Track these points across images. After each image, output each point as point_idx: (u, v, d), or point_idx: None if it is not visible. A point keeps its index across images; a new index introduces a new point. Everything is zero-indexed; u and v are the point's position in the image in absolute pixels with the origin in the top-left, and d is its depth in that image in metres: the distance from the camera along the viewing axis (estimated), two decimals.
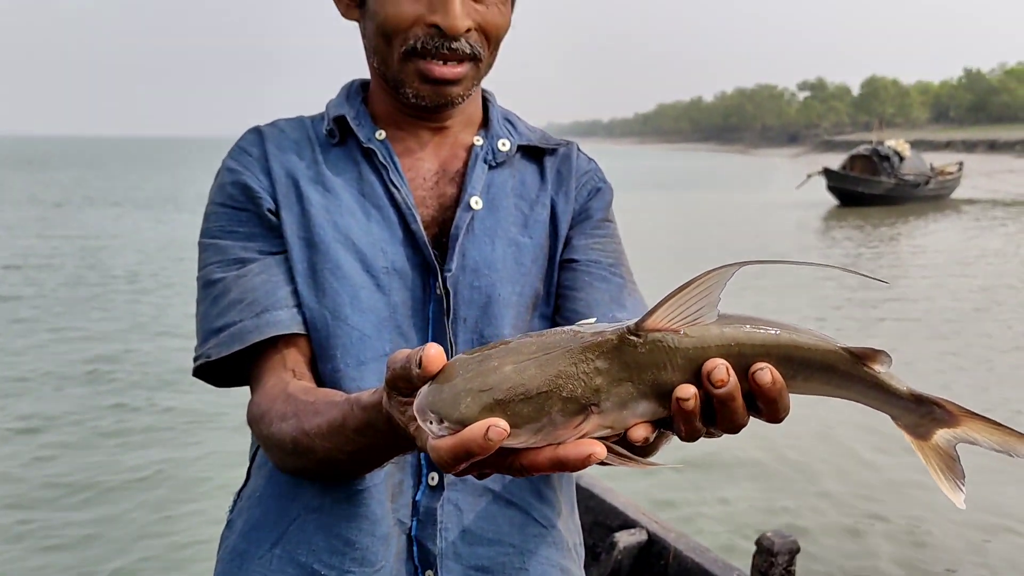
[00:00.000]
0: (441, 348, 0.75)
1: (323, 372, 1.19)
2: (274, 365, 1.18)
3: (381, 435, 0.92)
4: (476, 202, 1.25)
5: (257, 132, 1.29)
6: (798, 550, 2.74)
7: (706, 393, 0.72)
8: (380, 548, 1.17)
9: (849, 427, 6.65)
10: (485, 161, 1.29)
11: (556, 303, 1.29)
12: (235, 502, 1.31)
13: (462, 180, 1.28)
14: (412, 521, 1.20)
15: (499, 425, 0.68)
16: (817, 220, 25.03)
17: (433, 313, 1.22)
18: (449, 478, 1.21)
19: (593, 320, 0.81)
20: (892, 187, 29.69)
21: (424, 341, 1.20)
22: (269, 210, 1.22)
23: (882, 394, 0.76)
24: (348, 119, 1.28)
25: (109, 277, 13.08)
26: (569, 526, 1.34)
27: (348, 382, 1.17)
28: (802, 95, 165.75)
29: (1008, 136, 69.77)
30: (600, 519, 3.23)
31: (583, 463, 0.70)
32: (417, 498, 1.20)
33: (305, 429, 1.04)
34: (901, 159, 30.49)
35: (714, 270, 0.72)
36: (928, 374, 8.20)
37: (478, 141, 1.30)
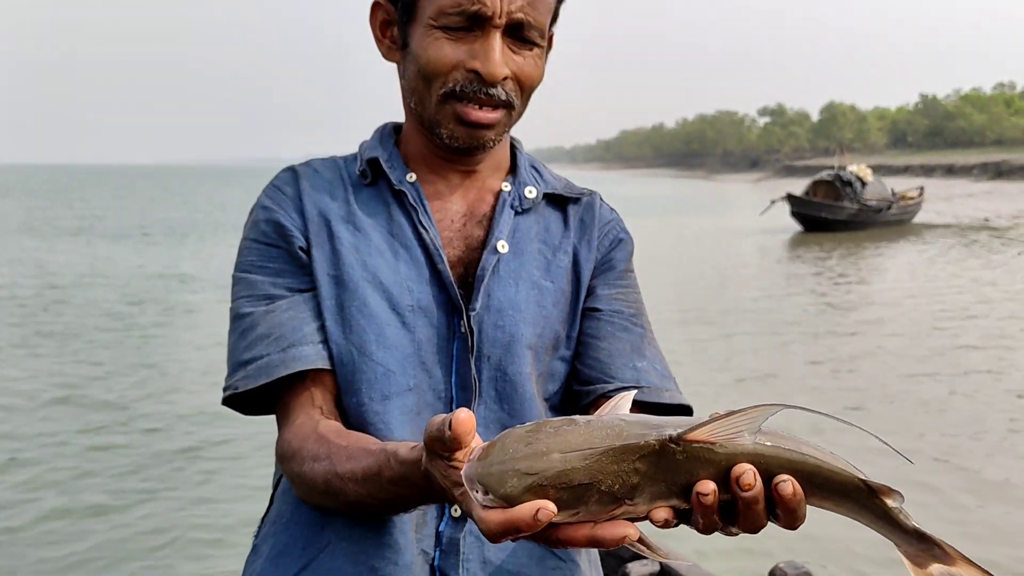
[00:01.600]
0: (471, 413, 0.81)
1: (348, 405, 1.23)
2: (302, 401, 1.22)
3: (417, 489, 0.96)
4: (503, 246, 1.29)
5: (292, 171, 1.34)
6: None
7: (732, 495, 0.77)
8: None
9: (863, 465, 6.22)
10: (512, 207, 1.33)
11: (578, 349, 1.33)
12: (260, 527, 1.33)
13: (489, 223, 1.32)
14: (435, 551, 1.21)
15: (548, 508, 0.74)
16: (781, 246, 24.98)
17: (457, 350, 1.25)
18: None
19: (628, 405, 0.90)
20: (855, 212, 29.80)
21: (448, 377, 1.25)
22: (300, 248, 1.26)
23: (890, 526, 0.81)
24: (381, 161, 1.32)
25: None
26: (587, 560, 1.35)
27: (372, 416, 1.21)
28: (762, 121, 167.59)
29: (965, 160, 70.78)
30: (613, 550, 3.16)
31: (616, 543, 0.77)
32: (440, 529, 1.22)
33: (339, 472, 1.08)
34: (863, 184, 30.65)
35: (761, 406, 0.77)
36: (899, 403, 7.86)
37: (506, 187, 1.35)
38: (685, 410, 1.32)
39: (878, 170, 35.44)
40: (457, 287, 1.26)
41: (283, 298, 1.25)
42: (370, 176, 1.32)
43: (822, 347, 10.94)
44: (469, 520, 1.19)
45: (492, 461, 0.78)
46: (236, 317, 1.26)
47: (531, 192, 1.35)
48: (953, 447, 6.99)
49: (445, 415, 0.82)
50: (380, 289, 1.24)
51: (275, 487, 1.33)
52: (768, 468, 0.78)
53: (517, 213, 1.33)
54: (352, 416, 1.22)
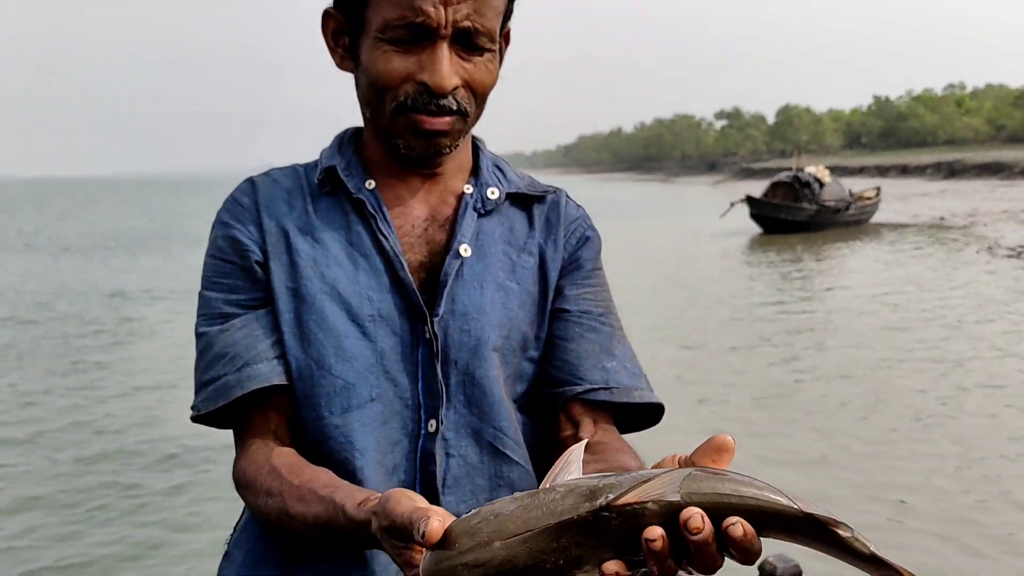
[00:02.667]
0: (443, 522, 0.83)
1: (307, 420, 1.22)
2: (257, 424, 1.24)
3: (367, 544, 1.00)
4: (465, 249, 1.28)
5: (251, 183, 1.32)
6: (800, 574, 2.80)
7: (683, 541, 0.77)
8: None
9: (846, 453, 6.57)
10: (475, 209, 1.31)
11: (546, 351, 1.31)
12: (231, 535, 1.33)
13: (452, 227, 1.30)
14: None
15: None
16: (741, 248, 24.94)
17: (423, 357, 1.24)
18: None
19: (580, 456, 0.89)
20: (814, 213, 29.84)
21: (415, 384, 1.23)
22: (257, 262, 1.26)
23: (846, 554, 0.79)
24: (338, 169, 1.30)
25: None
26: None
27: (332, 430, 1.20)
28: (719, 124, 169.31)
29: (918, 160, 71.91)
30: None
31: None
32: None
33: (290, 514, 1.11)
34: (821, 185, 30.69)
35: (676, 471, 0.79)
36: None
37: (468, 189, 1.33)
38: (656, 409, 1.32)
39: (834, 171, 35.69)
40: (420, 293, 1.24)
41: (237, 316, 1.24)
42: (329, 185, 1.30)
43: (785, 351, 10.77)
44: None
45: (442, 557, 0.81)
46: (197, 336, 1.27)
47: (493, 193, 1.33)
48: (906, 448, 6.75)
49: (414, 511, 0.86)
50: (339, 301, 1.23)
51: None
52: (715, 512, 0.77)
53: (480, 215, 1.31)
54: (311, 430, 1.22)
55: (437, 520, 0.82)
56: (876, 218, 32.94)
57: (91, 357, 10.64)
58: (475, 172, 1.35)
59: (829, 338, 11.58)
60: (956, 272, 17.73)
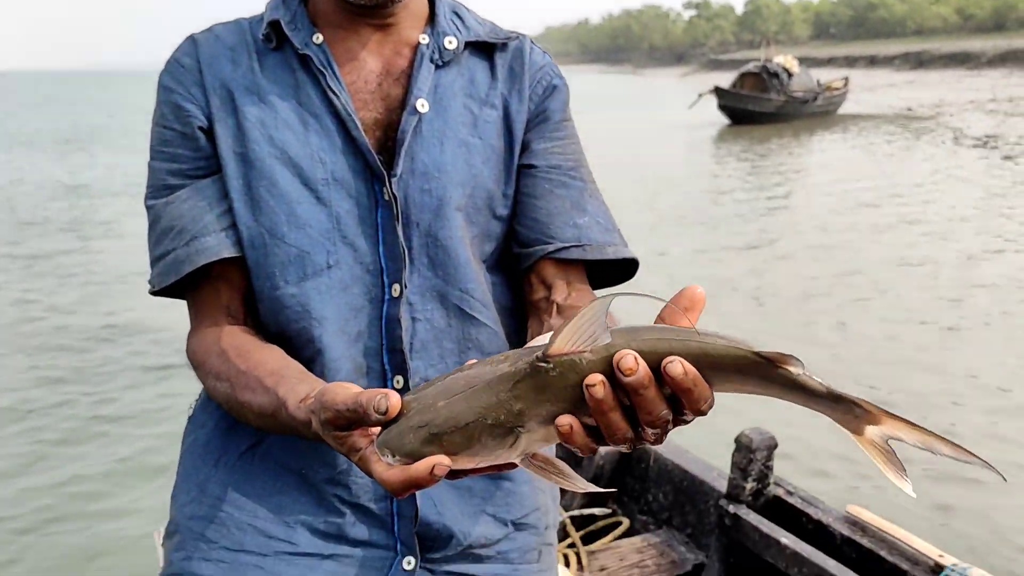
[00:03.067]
0: (398, 395, 0.82)
1: (261, 290, 1.18)
2: (208, 300, 1.20)
3: (309, 439, 0.97)
4: (423, 104, 1.21)
5: (192, 41, 1.24)
6: (776, 446, 2.71)
7: (624, 393, 0.75)
8: None
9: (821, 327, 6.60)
10: (431, 60, 1.24)
11: (515, 209, 1.26)
12: (199, 399, 1.32)
13: (408, 80, 1.23)
14: None
15: (443, 463, 0.78)
16: (709, 140, 24.78)
17: (383, 220, 1.18)
18: (415, 380, 1.21)
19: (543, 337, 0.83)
20: (782, 104, 29.64)
21: (376, 248, 1.18)
22: (200, 128, 1.19)
23: (801, 394, 0.78)
24: (283, 23, 1.21)
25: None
26: (548, 509, 1.37)
27: (288, 299, 1.17)
28: (687, 15, 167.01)
29: (887, 51, 71.44)
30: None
31: (502, 471, 0.84)
32: None
33: (239, 400, 1.09)
34: (790, 76, 30.39)
35: (597, 300, 0.76)
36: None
37: (423, 39, 1.25)
38: (631, 264, 1.28)
39: (803, 61, 35.26)
40: (377, 152, 1.19)
41: (183, 187, 1.19)
42: (274, 40, 1.22)
43: (754, 237, 10.79)
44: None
45: (392, 426, 0.82)
46: (147, 209, 1.23)
47: (451, 42, 1.25)
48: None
49: (357, 397, 0.84)
50: (290, 165, 1.18)
51: None
52: (655, 357, 0.75)
53: (438, 67, 1.24)
54: (266, 301, 1.19)
55: (395, 395, 0.82)
56: (844, 109, 32.81)
57: (50, 249, 10.43)
58: (431, 20, 1.27)
59: (797, 223, 11.65)
60: (924, 163, 17.76)
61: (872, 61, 67.84)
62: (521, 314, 1.29)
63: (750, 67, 31.89)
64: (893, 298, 8.06)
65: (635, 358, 0.73)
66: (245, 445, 1.22)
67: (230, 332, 1.17)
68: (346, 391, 0.86)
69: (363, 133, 1.18)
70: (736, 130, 27.17)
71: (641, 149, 21.77)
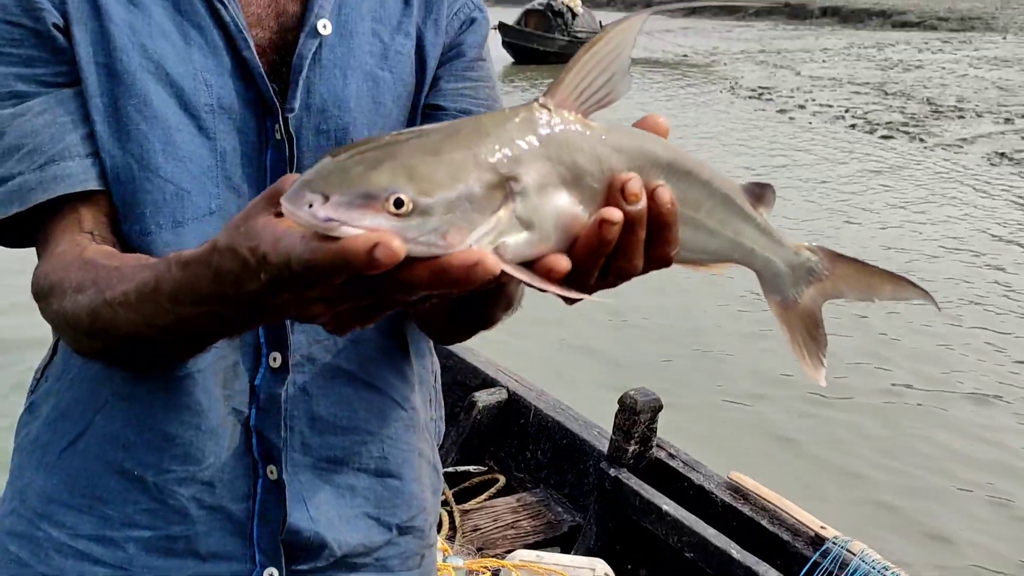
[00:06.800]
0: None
1: (129, 234, 1.01)
2: (66, 226, 0.98)
3: (204, 300, 0.75)
4: (324, 26, 1.05)
5: None
6: (660, 408, 2.69)
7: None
8: (208, 442, 1.02)
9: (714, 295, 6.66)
10: None
11: None
12: (37, 381, 1.12)
13: None
14: (250, 409, 1.05)
15: (391, 245, 0.55)
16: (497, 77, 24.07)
17: (271, 162, 1.03)
18: (295, 358, 1.06)
19: None
20: (565, 44, 29.38)
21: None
22: (55, 25, 0.98)
23: (771, 240, 0.74)
24: None
25: None
26: (426, 401, 1.22)
27: (162, 247, 0.98)
28: None
29: None
30: (459, 378, 3.14)
31: (469, 273, 0.57)
32: (256, 382, 1.05)
33: (107, 299, 0.87)
34: (574, 16, 30.32)
35: (619, 23, 0.65)
36: None
37: None
38: None
39: (584, 2, 35.36)
40: (269, 80, 1.02)
41: (35, 96, 0.98)
42: None
43: None
44: (292, 371, 1.05)
45: (325, 164, 0.58)
46: None
47: None
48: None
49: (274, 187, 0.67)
50: (166, 83, 0.99)
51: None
52: (649, 169, 0.67)
53: None
54: (133, 246, 0.99)
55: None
56: None
57: None
58: None
59: None
60: (707, 110, 17.99)
61: (648, 4, 69.70)
62: None
63: (535, 4, 31.53)
64: None
65: (641, 184, 0.65)
66: (66, 440, 1.03)
67: (97, 247, 0.94)
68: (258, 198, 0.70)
69: (256, 55, 1.01)
70: (520, 69, 26.79)
71: None
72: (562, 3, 30.59)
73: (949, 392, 5.57)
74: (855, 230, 8.95)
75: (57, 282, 0.92)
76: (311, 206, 0.55)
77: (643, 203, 0.64)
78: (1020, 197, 10.33)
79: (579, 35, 30.00)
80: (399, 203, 0.55)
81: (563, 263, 0.62)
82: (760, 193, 0.72)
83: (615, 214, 0.63)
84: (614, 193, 0.64)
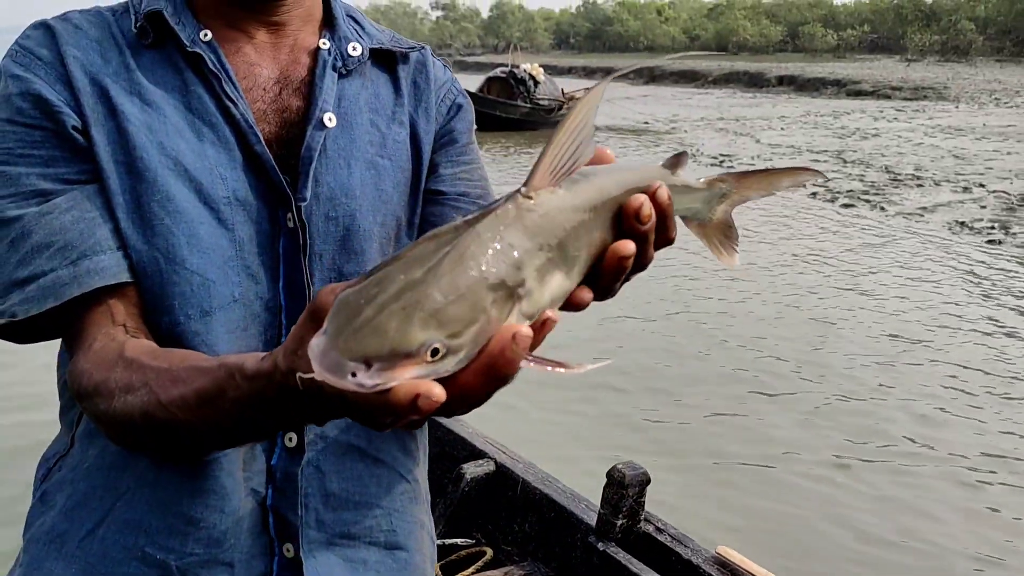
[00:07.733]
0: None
1: (159, 326, 1.01)
2: (98, 320, 0.99)
3: (271, 408, 0.77)
4: (330, 119, 1.10)
5: (46, 29, 1.05)
6: (648, 482, 2.68)
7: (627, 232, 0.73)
8: (230, 525, 1.03)
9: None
10: (334, 69, 1.13)
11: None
12: (49, 471, 1.11)
13: (308, 91, 1.11)
14: (267, 489, 1.07)
15: (432, 394, 0.58)
16: None
17: (284, 249, 1.06)
18: (309, 437, 1.09)
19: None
20: (528, 112, 29.86)
21: (276, 283, 1.07)
22: (75, 128, 1.00)
23: (691, 192, 0.82)
24: (166, 15, 1.06)
25: None
26: (425, 472, 1.26)
27: (191, 337, 1.01)
28: (435, 15, 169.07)
29: (623, 64, 74.88)
30: (447, 450, 3.16)
31: (508, 355, 0.60)
32: (273, 463, 1.07)
33: (161, 401, 0.88)
34: (536, 83, 30.63)
35: (582, 99, 0.69)
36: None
37: (324, 44, 1.14)
38: None
39: (546, 70, 35.75)
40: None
41: (60, 193, 0.99)
42: (152, 35, 1.06)
43: None
44: (307, 449, 1.08)
45: (348, 323, 0.58)
46: (2, 224, 0.98)
47: (355, 49, 1.15)
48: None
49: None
50: (186, 178, 1.02)
51: (75, 425, 1.08)
52: (633, 193, 0.74)
53: (341, 76, 1.13)
54: (165, 340, 1.00)
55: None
56: None
57: None
58: (329, 23, 1.16)
59: None
60: None
61: (609, 73, 70.74)
62: None
63: (498, 72, 32.07)
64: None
65: (650, 205, 0.73)
66: (85, 528, 1.02)
67: (135, 343, 0.95)
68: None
69: (267, 148, 1.04)
70: (483, 135, 26.77)
71: None
72: (524, 71, 31.00)
73: (951, 468, 5.38)
74: (824, 302, 8.81)
75: (102, 381, 0.92)
76: (354, 374, 0.57)
77: (654, 220, 0.71)
78: (981, 264, 10.30)
79: (541, 102, 30.39)
80: (435, 352, 0.58)
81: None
82: (676, 161, 0.81)
83: (629, 247, 0.70)
84: (628, 219, 0.71)
